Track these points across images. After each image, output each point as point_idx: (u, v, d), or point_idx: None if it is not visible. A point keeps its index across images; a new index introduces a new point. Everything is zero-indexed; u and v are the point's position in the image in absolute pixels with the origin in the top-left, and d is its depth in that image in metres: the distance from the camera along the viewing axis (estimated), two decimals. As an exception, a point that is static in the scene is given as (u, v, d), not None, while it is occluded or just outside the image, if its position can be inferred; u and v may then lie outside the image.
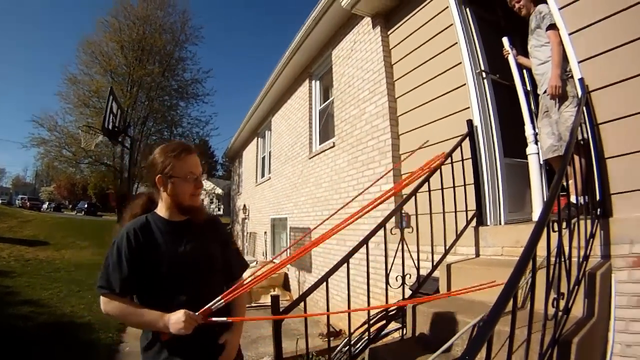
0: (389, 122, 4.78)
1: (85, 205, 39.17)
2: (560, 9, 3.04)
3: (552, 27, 3.11)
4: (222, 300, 1.61)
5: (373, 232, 2.96)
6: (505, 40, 3.76)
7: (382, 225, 3.04)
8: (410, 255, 3.09)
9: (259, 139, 12.69)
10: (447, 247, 3.34)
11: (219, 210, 39.52)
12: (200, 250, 1.70)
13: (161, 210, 1.74)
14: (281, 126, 9.68)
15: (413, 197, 3.18)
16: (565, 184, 2.73)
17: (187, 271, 1.64)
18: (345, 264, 2.74)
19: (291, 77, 8.45)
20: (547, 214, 1.75)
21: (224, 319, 1.62)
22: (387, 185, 4.83)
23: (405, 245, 3.06)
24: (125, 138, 16.05)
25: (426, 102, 4.35)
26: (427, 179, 3.24)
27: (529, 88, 3.86)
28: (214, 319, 1.60)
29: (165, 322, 1.53)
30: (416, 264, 3.17)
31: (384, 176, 4.62)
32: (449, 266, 3.26)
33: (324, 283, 2.67)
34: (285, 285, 8.77)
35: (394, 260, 3.01)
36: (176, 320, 1.52)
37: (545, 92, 3.21)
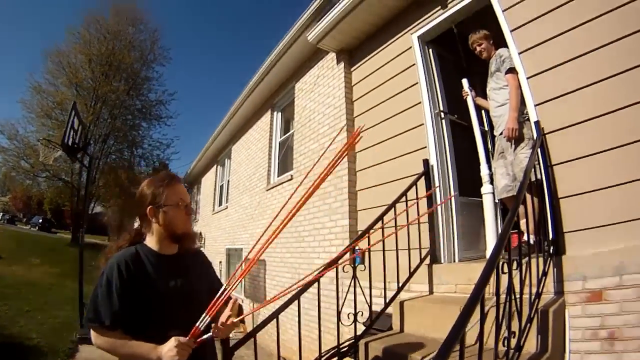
0: (347, 157, 4.73)
1: (40, 220, 36.94)
2: (520, 53, 3.13)
3: (511, 70, 3.18)
4: (207, 316, 1.56)
5: (326, 269, 2.83)
6: (464, 81, 3.81)
7: (335, 261, 2.96)
8: (362, 291, 3.06)
9: (219, 166, 12.44)
10: (400, 285, 3.31)
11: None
12: (190, 285, 1.70)
13: (151, 242, 1.71)
14: (241, 155, 9.52)
15: (367, 234, 3.14)
16: (519, 222, 2.79)
17: (178, 306, 1.61)
18: (297, 300, 2.66)
19: (253, 108, 8.38)
20: (497, 254, 1.73)
21: (209, 334, 1.57)
22: (344, 220, 4.75)
23: (358, 282, 3.04)
24: (85, 156, 15.42)
25: (385, 140, 4.35)
26: (381, 217, 3.21)
27: (486, 129, 3.93)
28: (204, 337, 1.56)
29: (158, 354, 1.48)
30: (368, 301, 3.12)
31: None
32: (402, 303, 3.20)
33: (275, 319, 2.58)
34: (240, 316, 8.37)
35: (346, 295, 2.99)
36: (169, 349, 1.47)
37: (501, 133, 3.25)
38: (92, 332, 1.56)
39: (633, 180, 2.42)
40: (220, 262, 10.82)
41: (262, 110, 8.10)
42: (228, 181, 10.86)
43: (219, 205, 11.83)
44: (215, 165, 12.67)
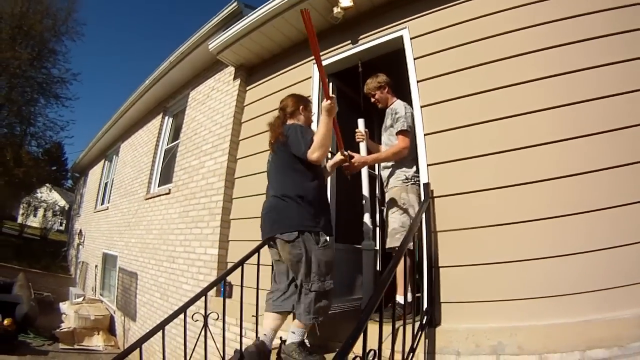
0: (224, 183, 4.44)
1: None
2: (422, 106, 3.04)
3: (404, 132, 3.05)
4: None
5: (191, 302, 2.63)
6: (360, 122, 3.40)
7: (203, 293, 2.71)
8: (214, 339, 2.73)
9: (107, 162, 11.41)
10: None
11: (60, 225, 34.72)
12: None
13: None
14: (128, 155, 8.77)
15: (239, 268, 2.85)
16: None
17: None
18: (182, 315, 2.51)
19: (146, 108, 7.76)
20: (365, 319, 1.57)
21: None
22: (213, 249, 4.40)
23: (210, 331, 2.68)
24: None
25: (262, 172, 4.06)
26: (257, 250, 2.97)
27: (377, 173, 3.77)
28: None
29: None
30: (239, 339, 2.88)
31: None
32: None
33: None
34: (111, 329, 7.81)
35: (195, 344, 2.67)
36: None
37: (386, 187, 3.20)
38: None
39: (521, 260, 2.42)
40: (96, 265, 9.84)
41: (155, 112, 7.50)
42: (112, 180, 9.96)
43: (101, 204, 10.81)
44: (103, 160, 11.61)
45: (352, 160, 3.00)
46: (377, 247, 3.30)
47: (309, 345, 2.69)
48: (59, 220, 33.34)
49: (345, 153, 2.98)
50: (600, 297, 2.25)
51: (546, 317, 2.28)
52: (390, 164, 3.21)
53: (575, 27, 2.62)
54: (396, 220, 3.01)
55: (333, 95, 2.57)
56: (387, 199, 3.19)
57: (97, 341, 7.35)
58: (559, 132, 2.50)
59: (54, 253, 17.87)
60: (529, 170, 2.53)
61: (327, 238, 2.59)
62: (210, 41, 4.81)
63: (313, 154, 2.51)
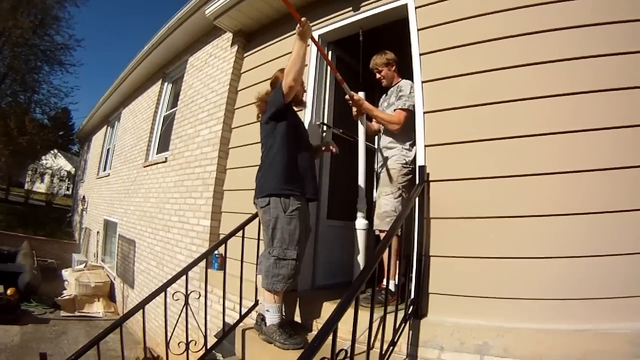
0: (218, 153, 4.32)
1: None
2: (424, 82, 2.82)
3: (403, 110, 2.93)
4: None
5: (171, 281, 2.77)
6: (361, 95, 3.16)
7: (198, 262, 2.92)
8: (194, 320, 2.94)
9: (109, 128, 11.33)
10: (244, 312, 3.07)
11: (67, 190, 34.95)
12: None
13: None
14: (128, 122, 8.66)
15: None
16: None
17: None
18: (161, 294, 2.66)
19: (146, 73, 7.58)
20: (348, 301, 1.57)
21: None
22: (206, 220, 4.34)
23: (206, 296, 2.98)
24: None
25: (256, 143, 3.95)
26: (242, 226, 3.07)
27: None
28: None
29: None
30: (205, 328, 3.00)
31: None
32: (243, 332, 2.86)
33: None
34: (112, 296, 7.96)
35: (177, 320, 2.71)
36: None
37: (381, 168, 3.07)
38: None
39: (517, 257, 2.29)
40: (98, 232, 9.90)
41: (155, 78, 7.33)
42: (114, 146, 9.90)
43: (103, 171, 10.79)
44: (105, 126, 11.53)
45: (354, 98, 2.97)
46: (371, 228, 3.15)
47: (289, 326, 2.68)
48: (66, 185, 33.66)
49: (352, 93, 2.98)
50: (597, 306, 2.12)
51: (537, 321, 2.17)
52: (391, 144, 3.07)
53: (602, 6, 2.35)
54: (389, 203, 2.89)
55: (304, 19, 2.48)
56: (381, 179, 3.05)
57: (97, 308, 7.51)
58: (579, 121, 2.26)
59: (59, 219, 18.00)
60: (538, 161, 2.32)
61: (297, 206, 2.60)
62: (207, 6, 4.60)
63: (285, 83, 2.57)
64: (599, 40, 2.31)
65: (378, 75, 3.23)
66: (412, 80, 2.96)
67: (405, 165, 2.94)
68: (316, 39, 3.69)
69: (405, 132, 2.97)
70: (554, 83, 2.36)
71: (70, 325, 6.67)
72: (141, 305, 2.59)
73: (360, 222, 3.06)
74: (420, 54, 2.88)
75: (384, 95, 3.30)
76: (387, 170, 3.00)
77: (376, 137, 3.39)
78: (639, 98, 2.19)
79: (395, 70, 3.20)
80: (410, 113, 2.91)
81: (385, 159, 3.05)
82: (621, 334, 1.99)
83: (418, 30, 2.95)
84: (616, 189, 2.19)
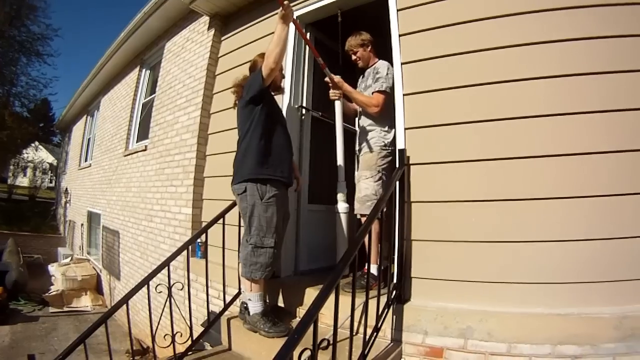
0: (197, 139, 4.24)
1: None
2: (403, 63, 2.75)
3: (381, 92, 2.86)
4: None
5: (153, 273, 2.73)
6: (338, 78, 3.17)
7: (180, 252, 2.95)
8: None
9: (89, 117, 11.05)
10: (230, 300, 3.06)
11: (50, 182, 34.30)
12: None
13: None
14: (107, 110, 8.45)
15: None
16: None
17: None
18: (146, 286, 2.64)
19: (124, 60, 7.37)
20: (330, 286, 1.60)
21: None
22: (187, 209, 4.28)
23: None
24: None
25: (234, 128, 3.87)
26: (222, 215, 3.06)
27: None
28: None
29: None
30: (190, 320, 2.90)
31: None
32: (229, 321, 2.82)
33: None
34: (99, 288, 7.92)
35: (162, 310, 2.74)
36: None
37: (360, 151, 3.02)
38: None
39: (500, 241, 2.28)
40: (82, 224, 9.76)
41: (132, 65, 7.13)
42: (95, 135, 9.70)
43: (85, 161, 10.58)
44: (85, 115, 11.25)
45: (335, 79, 2.96)
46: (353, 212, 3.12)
47: (273, 313, 2.65)
48: (49, 178, 33.02)
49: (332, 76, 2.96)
50: (580, 290, 2.12)
51: (520, 305, 2.17)
52: (370, 127, 3.01)
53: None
54: (369, 187, 2.84)
55: (287, 2, 2.43)
56: (361, 163, 3.01)
57: (85, 302, 7.48)
58: (558, 105, 2.25)
59: (43, 213, 17.73)
60: (521, 144, 2.29)
61: (274, 193, 2.56)
62: (182, -12, 4.46)
63: (266, 64, 2.47)
64: (589, 22, 2.27)
65: (354, 57, 3.15)
66: (392, 62, 2.89)
67: (384, 148, 2.90)
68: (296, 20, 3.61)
69: (384, 114, 2.92)
70: (542, 64, 2.31)
71: (59, 322, 6.62)
72: (125, 300, 2.55)
73: (342, 206, 3.05)
74: (400, 35, 2.81)
75: (361, 77, 3.23)
76: (367, 152, 2.95)
77: (356, 119, 3.34)
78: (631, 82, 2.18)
79: (371, 50, 3.12)
80: (388, 95, 2.86)
81: (366, 142, 3.00)
82: (605, 317, 2.01)
83: (397, 10, 2.87)
84: (599, 173, 2.18)
